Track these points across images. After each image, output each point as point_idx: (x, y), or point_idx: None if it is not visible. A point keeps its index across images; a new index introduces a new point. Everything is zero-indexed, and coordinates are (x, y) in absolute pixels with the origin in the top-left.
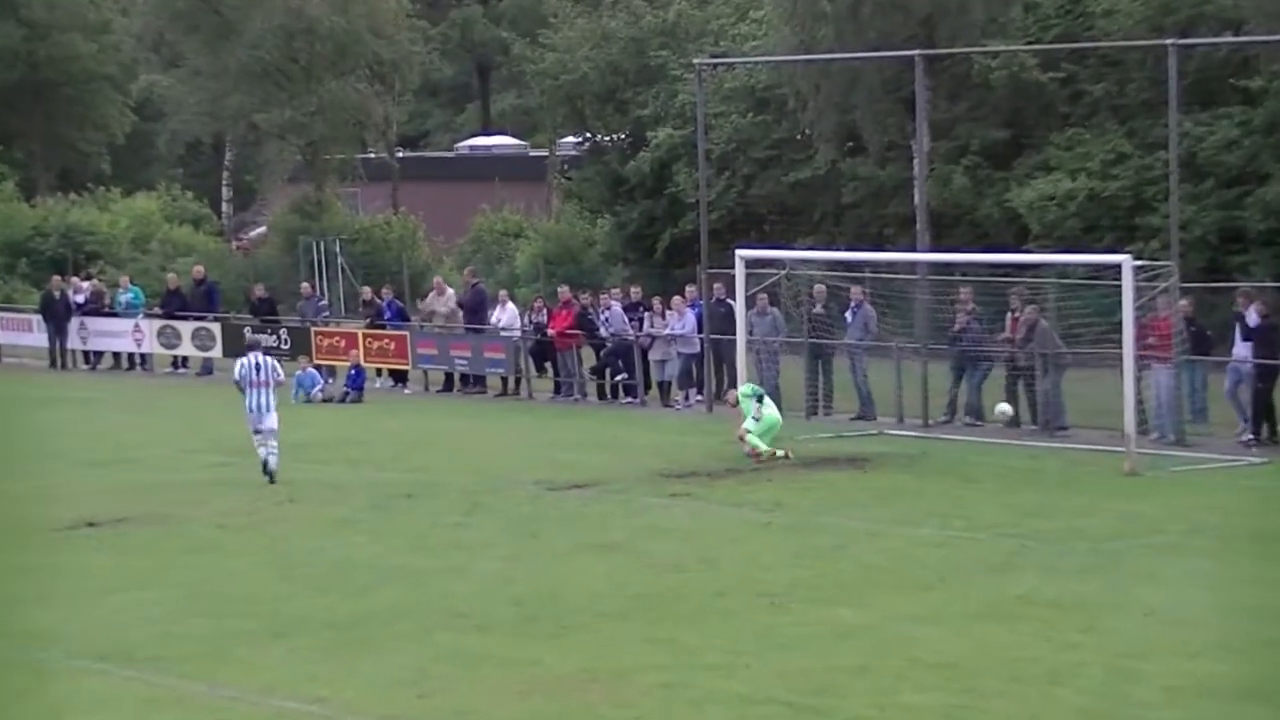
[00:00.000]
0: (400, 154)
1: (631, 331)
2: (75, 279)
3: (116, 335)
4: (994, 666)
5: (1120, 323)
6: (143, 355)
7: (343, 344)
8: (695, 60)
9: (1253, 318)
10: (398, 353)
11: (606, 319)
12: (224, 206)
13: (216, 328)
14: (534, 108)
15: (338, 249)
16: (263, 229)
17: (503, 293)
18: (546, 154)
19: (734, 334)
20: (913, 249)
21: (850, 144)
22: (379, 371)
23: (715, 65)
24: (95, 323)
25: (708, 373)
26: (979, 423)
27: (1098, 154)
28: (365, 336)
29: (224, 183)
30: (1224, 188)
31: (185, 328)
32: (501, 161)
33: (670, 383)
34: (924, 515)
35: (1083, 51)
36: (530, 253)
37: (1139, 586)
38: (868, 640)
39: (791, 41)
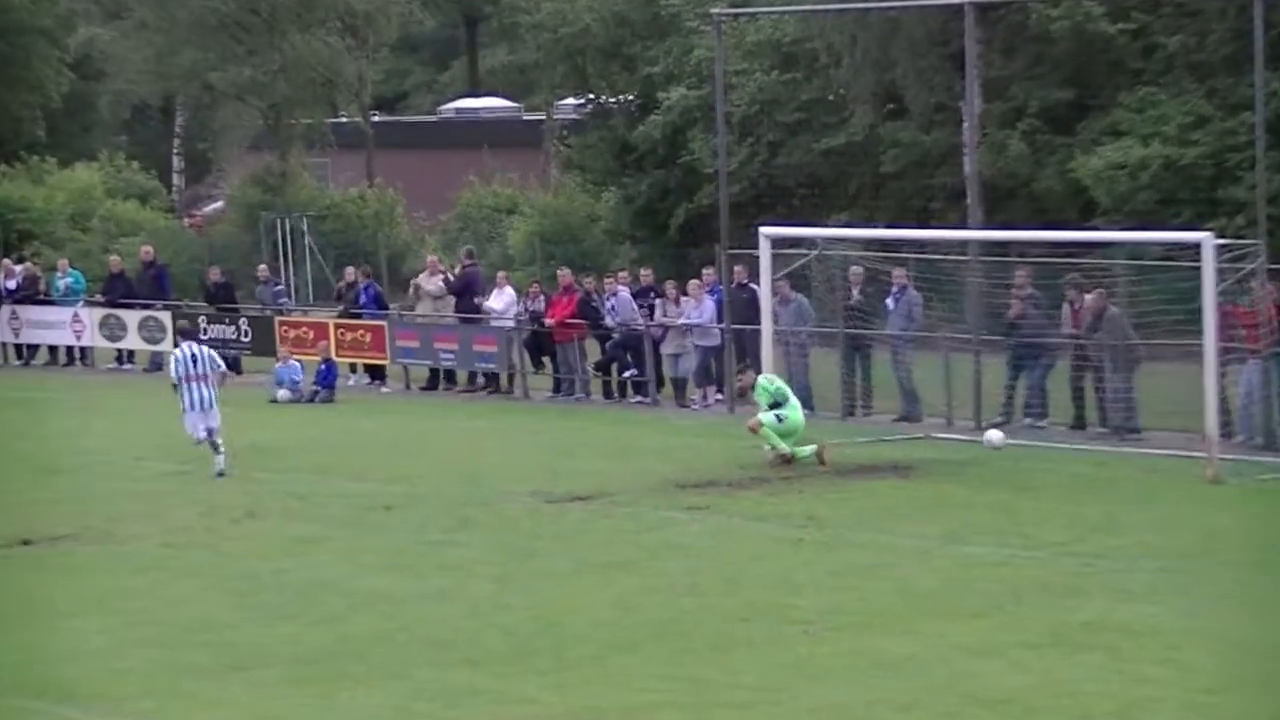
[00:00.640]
0: (375, 118)
1: (641, 321)
2: (6, 262)
3: (53, 326)
4: (1057, 703)
5: (1200, 310)
6: (83, 349)
7: (311, 335)
8: (713, 10)
9: None
10: (374, 346)
11: (613, 306)
12: (175, 179)
13: (166, 317)
14: (529, 65)
15: (304, 227)
16: (219, 204)
17: (501, 274)
18: (543, 118)
19: (759, 323)
20: (963, 226)
21: (890, 106)
22: (353, 367)
23: (736, 15)
24: (29, 311)
25: (729, 368)
26: (1041, 425)
27: (1174, 117)
28: (337, 327)
29: (175, 151)
30: None
31: (131, 317)
32: (491, 126)
33: (686, 379)
34: (976, 531)
35: (1156, 1)
36: (525, 231)
37: (1221, 612)
38: (914, 673)
39: None
